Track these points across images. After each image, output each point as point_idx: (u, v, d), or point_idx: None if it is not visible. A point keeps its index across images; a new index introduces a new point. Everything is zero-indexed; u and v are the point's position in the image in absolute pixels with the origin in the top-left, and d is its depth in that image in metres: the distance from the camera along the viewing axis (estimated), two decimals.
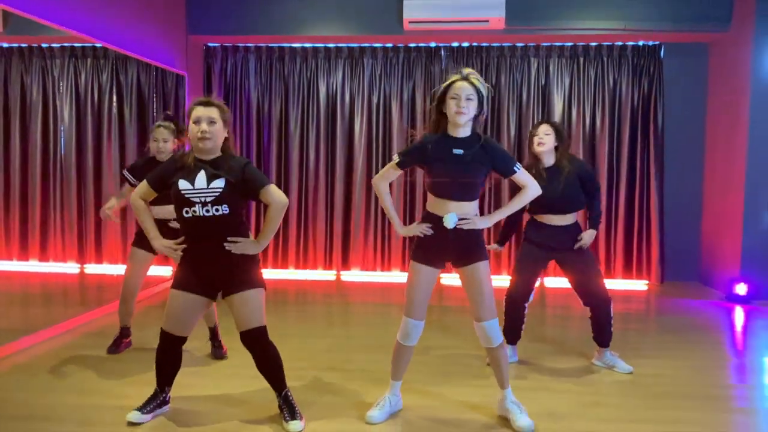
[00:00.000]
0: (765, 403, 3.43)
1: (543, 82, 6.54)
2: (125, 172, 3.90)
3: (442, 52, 6.57)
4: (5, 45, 5.12)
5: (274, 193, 2.81)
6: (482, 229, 2.87)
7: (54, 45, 5.62)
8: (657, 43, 6.36)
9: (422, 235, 2.85)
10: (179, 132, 3.87)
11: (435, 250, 2.86)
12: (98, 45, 5.28)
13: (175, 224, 3.50)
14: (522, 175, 2.88)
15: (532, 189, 2.89)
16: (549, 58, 6.51)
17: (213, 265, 2.80)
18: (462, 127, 2.79)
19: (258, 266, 2.91)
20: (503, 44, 6.48)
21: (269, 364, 2.87)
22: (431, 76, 6.58)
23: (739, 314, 5.32)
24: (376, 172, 6.65)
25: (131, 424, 2.84)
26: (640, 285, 6.42)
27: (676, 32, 6.01)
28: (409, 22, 5.97)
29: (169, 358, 2.92)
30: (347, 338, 4.43)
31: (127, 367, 3.66)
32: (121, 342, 3.95)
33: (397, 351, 2.98)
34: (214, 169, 2.77)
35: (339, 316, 5.18)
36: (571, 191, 3.56)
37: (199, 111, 2.78)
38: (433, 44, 6.54)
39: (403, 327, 2.91)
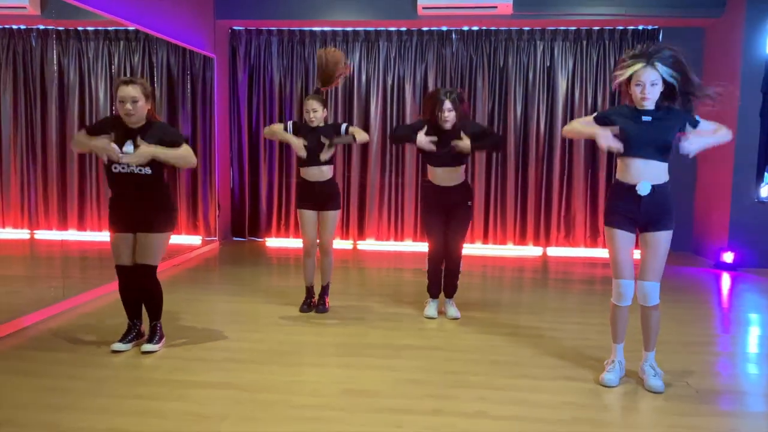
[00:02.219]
0: (746, 347, 3.93)
1: (548, 64, 6.95)
2: (290, 123, 4.29)
3: (453, 36, 6.98)
4: (42, 27, 5.49)
5: (186, 150, 3.37)
6: (673, 198, 3.03)
7: (89, 28, 6.03)
8: (656, 27, 6.75)
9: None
10: (325, 102, 4.31)
11: (626, 216, 3.01)
12: (131, 28, 5.67)
13: None
14: (708, 124, 3.04)
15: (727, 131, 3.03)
16: (554, 41, 6.92)
17: (132, 210, 3.41)
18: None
19: (170, 215, 3.50)
20: (511, 28, 6.89)
21: (150, 297, 3.50)
22: (443, 59, 7.01)
23: (725, 280, 5.80)
24: (391, 150, 7.14)
25: (114, 351, 3.42)
26: (635, 254, 6.89)
27: (674, 17, 6.41)
28: (423, 7, 6.38)
29: (127, 290, 3.49)
30: (364, 294, 4.95)
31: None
32: (310, 301, 4.42)
33: (613, 314, 3.10)
34: (141, 137, 3.31)
35: (355, 276, 5.70)
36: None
37: (123, 91, 3.27)
38: (444, 28, 6.96)
39: (615, 289, 3.06)
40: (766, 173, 6.16)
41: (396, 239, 7.25)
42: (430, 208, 4.20)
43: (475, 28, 6.93)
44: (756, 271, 6.09)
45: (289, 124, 4.30)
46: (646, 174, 2.96)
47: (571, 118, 6.93)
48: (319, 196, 4.25)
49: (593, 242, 7.01)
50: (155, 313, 3.55)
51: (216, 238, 7.04)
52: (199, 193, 6.92)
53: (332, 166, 4.29)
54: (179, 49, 6.38)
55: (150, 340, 3.51)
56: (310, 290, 4.44)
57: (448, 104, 3.96)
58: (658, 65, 2.90)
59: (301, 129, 4.22)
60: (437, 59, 7.03)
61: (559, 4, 6.48)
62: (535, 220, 7.08)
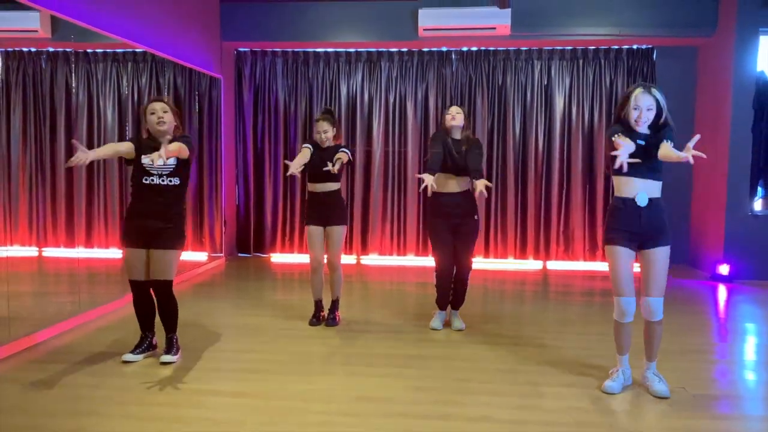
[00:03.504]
0: (743, 355, 4.06)
1: (545, 83, 7.15)
2: (306, 144, 4.42)
3: (453, 56, 7.18)
4: (52, 50, 5.65)
5: (185, 145, 3.45)
6: (668, 215, 3.18)
7: (98, 50, 6.20)
8: (650, 46, 6.96)
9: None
10: (336, 121, 4.46)
11: (626, 232, 3.14)
12: (138, 50, 5.83)
13: None
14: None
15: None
16: (551, 60, 7.12)
17: (149, 222, 3.53)
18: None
19: (181, 235, 3.63)
20: (509, 48, 7.09)
21: (168, 311, 3.65)
22: (443, 78, 7.20)
23: (721, 291, 5.93)
24: (393, 166, 7.31)
25: (125, 362, 3.56)
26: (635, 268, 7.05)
27: (667, 37, 6.62)
28: (423, 29, 6.58)
29: (141, 303, 3.65)
30: (367, 308, 5.07)
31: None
32: (319, 315, 4.54)
33: (617, 330, 3.26)
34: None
35: (359, 290, 5.82)
36: (467, 158, 4.20)
37: (155, 105, 3.58)
38: (444, 49, 7.16)
39: (618, 306, 3.20)
40: (759, 187, 6.32)
41: (399, 254, 7.38)
42: (438, 222, 4.29)
43: (474, 48, 7.13)
44: (751, 283, 6.23)
45: (310, 147, 4.40)
46: (643, 188, 3.15)
47: (569, 135, 7.12)
48: (325, 208, 4.38)
49: (592, 256, 7.15)
50: (172, 326, 3.68)
51: (222, 254, 7.16)
52: (205, 209, 7.05)
53: (338, 183, 4.47)
54: (186, 69, 6.55)
55: (168, 352, 3.63)
56: (318, 304, 4.56)
57: (455, 108, 4.25)
58: (654, 91, 3.14)
59: (315, 148, 4.43)
60: (437, 79, 7.21)
61: (555, 24, 6.68)
62: (535, 234, 7.22)
